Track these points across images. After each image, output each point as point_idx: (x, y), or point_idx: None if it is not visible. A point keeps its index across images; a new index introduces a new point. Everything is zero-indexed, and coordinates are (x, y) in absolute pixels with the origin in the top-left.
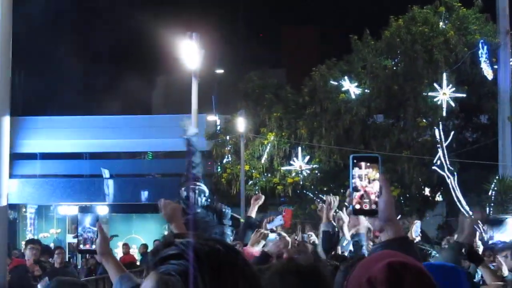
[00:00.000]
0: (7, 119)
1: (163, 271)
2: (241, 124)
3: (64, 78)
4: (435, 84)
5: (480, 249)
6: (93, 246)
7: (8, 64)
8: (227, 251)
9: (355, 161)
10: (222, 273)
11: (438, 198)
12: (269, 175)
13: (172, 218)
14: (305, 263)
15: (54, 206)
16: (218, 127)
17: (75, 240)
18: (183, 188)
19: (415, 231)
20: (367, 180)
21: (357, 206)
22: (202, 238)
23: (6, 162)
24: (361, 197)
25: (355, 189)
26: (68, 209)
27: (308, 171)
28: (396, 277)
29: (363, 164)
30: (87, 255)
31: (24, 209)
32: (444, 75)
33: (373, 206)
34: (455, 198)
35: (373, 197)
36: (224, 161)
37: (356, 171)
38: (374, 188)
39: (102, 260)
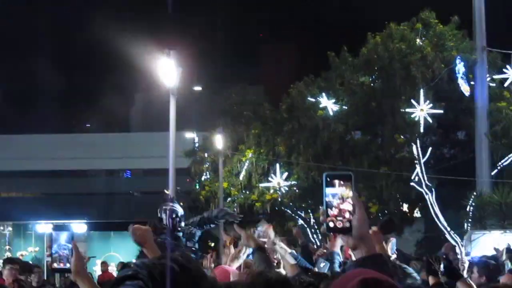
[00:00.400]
0: None
1: None
2: (219, 141)
3: (42, 96)
4: (412, 101)
5: (466, 265)
6: (68, 265)
7: None
8: (183, 271)
9: (328, 179)
10: None
11: (417, 214)
12: (247, 192)
13: (143, 241)
14: (274, 276)
15: (32, 224)
16: (196, 145)
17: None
18: (158, 209)
19: (391, 249)
20: (340, 198)
21: (331, 224)
22: (164, 258)
23: None
24: (335, 215)
25: (329, 207)
26: (46, 227)
27: (287, 188)
28: None
29: (336, 182)
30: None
31: (1, 227)
32: (422, 91)
33: (347, 224)
34: (433, 214)
35: (346, 215)
36: (203, 178)
37: (329, 190)
38: (348, 206)
39: (77, 279)
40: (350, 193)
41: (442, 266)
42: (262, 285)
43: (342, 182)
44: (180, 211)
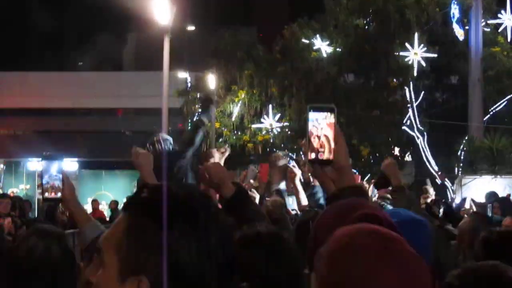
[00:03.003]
0: None
1: (135, 213)
2: (212, 81)
3: (34, 33)
4: (406, 44)
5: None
6: (59, 194)
7: None
8: (201, 196)
9: (312, 111)
10: (196, 217)
11: (408, 158)
12: (239, 133)
13: (142, 166)
14: (265, 230)
15: (24, 162)
16: (189, 84)
17: (40, 190)
18: (148, 144)
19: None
20: (322, 129)
21: (313, 156)
22: (176, 184)
23: None
24: (317, 146)
25: (311, 136)
26: (37, 164)
27: (279, 129)
28: None
29: (319, 114)
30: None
31: None
32: (416, 35)
33: (329, 156)
34: (425, 158)
35: (327, 146)
36: (195, 118)
37: (312, 121)
38: (330, 133)
39: (68, 207)
40: (333, 120)
41: (441, 209)
42: (254, 240)
43: (325, 114)
44: (171, 140)
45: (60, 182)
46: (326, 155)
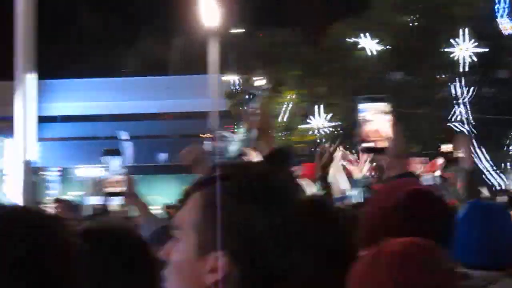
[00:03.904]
0: (34, 82)
1: (210, 190)
2: (259, 82)
3: (83, 40)
4: (456, 40)
5: None
6: (120, 189)
7: (33, 26)
8: (273, 173)
9: (361, 101)
10: (269, 192)
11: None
12: (288, 133)
13: (196, 163)
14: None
15: (74, 169)
16: (237, 87)
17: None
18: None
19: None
20: (375, 119)
21: (367, 145)
22: (246, 163)
23: (34, 124)
24: (370, 135)
25: (362, 126)
26: (86, 171)
27: (331, 129)
28: (418, 204)
29: (370, 104)
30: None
31: (42, 172)
32: (464, 30)
33: (381, 144)
34: (474, 153)
35: (381, 135)
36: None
37: (363, 112)
38: (383, 126)
39: (131, 201)
40: (386, 114)
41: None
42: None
43: (376, 104)
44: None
45: (122, 177)
46: (380, 143)
